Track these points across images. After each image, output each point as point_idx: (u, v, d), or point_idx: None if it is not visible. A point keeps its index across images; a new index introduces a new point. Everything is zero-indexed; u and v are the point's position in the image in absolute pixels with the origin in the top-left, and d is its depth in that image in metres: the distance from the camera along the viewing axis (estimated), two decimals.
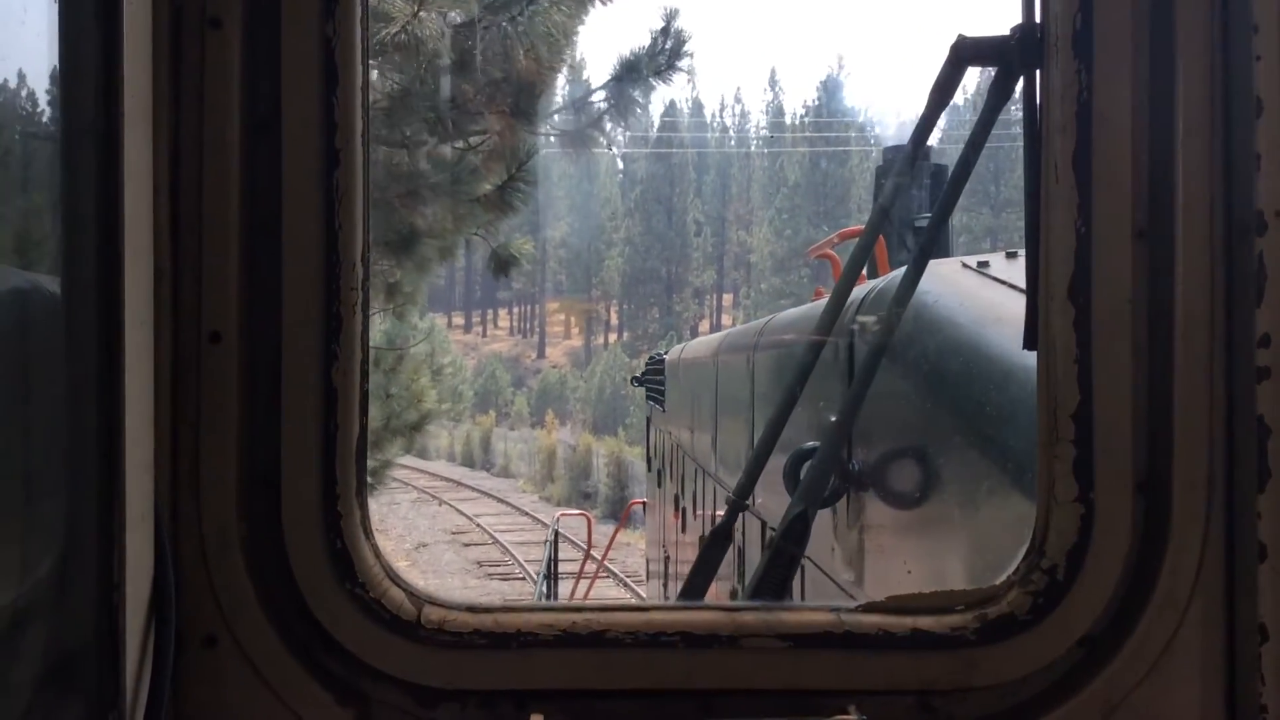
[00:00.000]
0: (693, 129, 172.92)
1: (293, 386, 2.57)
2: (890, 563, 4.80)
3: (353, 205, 2.58)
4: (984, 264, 5.90)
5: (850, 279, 3.65)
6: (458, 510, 52.58)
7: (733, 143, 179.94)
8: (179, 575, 2.51)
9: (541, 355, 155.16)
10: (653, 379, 22.00)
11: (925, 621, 2.63)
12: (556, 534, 21.61)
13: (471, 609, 2.66)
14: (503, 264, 20.10)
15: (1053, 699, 2.59)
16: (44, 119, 2.10)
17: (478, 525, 47.84)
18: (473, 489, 62.24)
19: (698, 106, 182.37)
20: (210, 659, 2.55)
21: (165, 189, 2.48)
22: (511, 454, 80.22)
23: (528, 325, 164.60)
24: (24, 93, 2.04)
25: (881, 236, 9.92)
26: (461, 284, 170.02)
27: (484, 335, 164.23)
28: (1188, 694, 2.56)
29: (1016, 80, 2.92)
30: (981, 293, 5.18)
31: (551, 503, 56.28)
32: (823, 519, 6.11)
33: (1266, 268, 2.44)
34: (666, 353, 21.15)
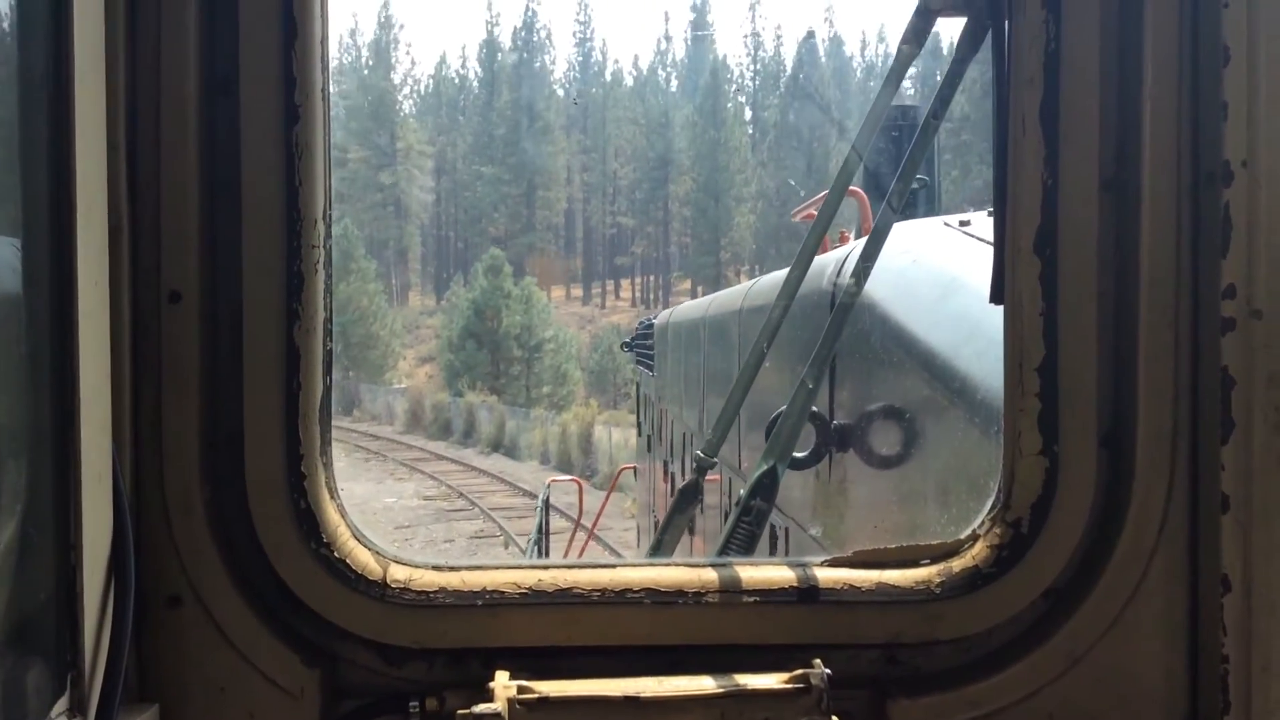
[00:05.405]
0: (833, 69, 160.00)
1: (254, 346, 2.55)
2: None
3: (313, 162, 2.55)
4: (965, 222, 5.91)
5: (816, 239, 3.63)
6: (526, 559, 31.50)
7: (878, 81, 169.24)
8: (141, 536, 2.50)
9: None
10: (642, 344, 21.99)
11: (890, 576, 2.63)
12: (548, 501, 21.66)
13: (437, 568, 2.65)
14: None
15: (1017, 651, 2.59)
16: None
17: None
18: (562, 513, 38.29)
19: (837, 43, 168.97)
20: (174, 619, 2.55)
21: (121, 146, 2.44)
22: (620, 455, 52.91)
23: (651, 295, 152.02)
24: None
25: (865, 196, 9.90)
26: (581, 255, 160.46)
27: (603, 307, 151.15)
28: (1151, 645, 2.57)
29: (986, 31, 2.88)
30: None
31: None
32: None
33: (1232, 218, 2.42)
34: (655, 318, 21.13)
